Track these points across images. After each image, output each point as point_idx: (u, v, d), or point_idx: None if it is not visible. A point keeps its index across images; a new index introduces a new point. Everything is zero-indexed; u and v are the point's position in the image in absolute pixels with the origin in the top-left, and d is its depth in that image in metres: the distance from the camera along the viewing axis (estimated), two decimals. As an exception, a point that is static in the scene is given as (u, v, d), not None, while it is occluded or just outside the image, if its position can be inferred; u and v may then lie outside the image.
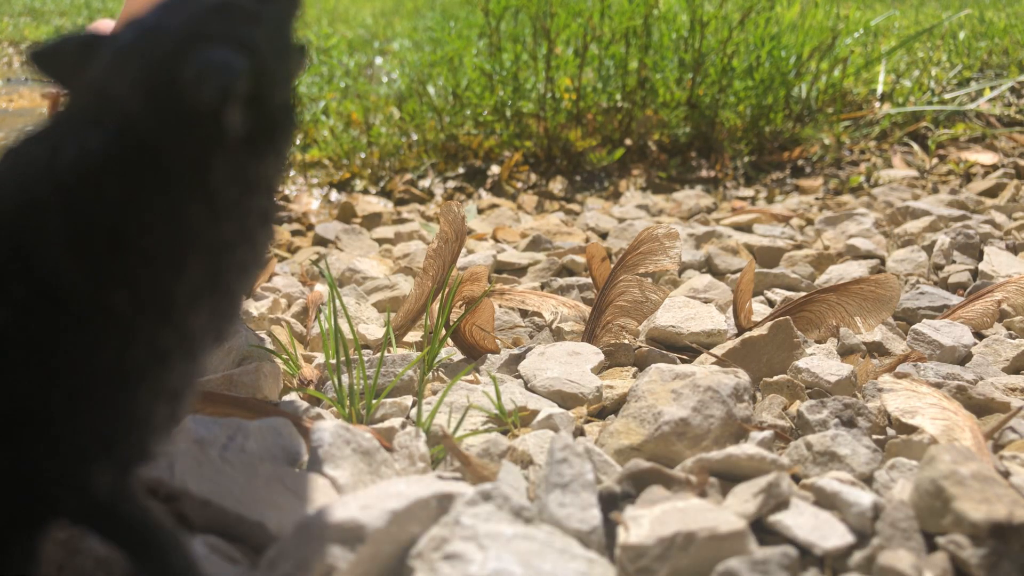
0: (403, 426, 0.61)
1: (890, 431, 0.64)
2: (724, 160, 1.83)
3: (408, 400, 0.67)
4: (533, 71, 1.83)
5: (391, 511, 0.44)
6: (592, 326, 0.81)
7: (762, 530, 0.49)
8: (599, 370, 0.75)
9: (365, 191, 1.69)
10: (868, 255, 1.20)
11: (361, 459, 0.54)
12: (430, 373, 0.74)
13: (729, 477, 0.54)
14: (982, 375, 0.75)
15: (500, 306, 0.90)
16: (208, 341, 0.31)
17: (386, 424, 0.61)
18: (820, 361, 0.73)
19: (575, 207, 1.61)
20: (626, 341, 0.79)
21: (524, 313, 0.96)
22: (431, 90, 1.96)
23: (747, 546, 0.45)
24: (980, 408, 0.67)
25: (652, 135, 1.88)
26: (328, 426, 0.54)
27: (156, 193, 0.28)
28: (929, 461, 0.50)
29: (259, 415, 0.60)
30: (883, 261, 1.18)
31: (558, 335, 0.88)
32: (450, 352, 0.82)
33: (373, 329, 0.89)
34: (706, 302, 0.95)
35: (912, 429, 0.62)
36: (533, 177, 1.77)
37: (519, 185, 1.74)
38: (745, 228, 1.39)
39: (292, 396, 0.69)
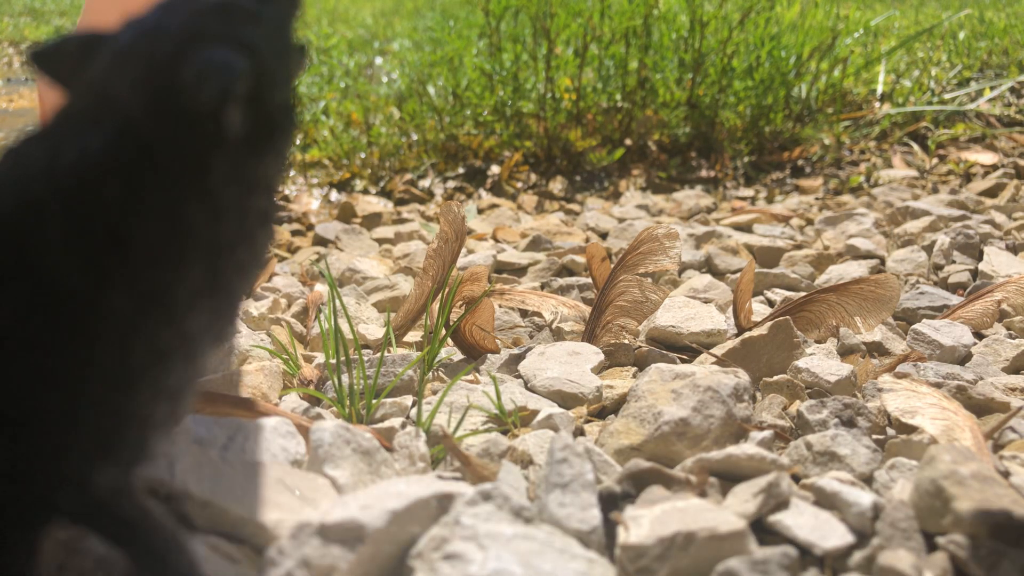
0: (403, 426, 0.61)
1: (890, 431, 0.64)
2: (724, 160, 1.83)
3: (408, 400, 0.67)
4: (533, 71, 1.83)
5: (391, 511, 0.44)
6: (592, 326, 0.81)
7: (762, 530, 0.49)
8: (599, 370, 0.75)
9: (365, 191, 1.69)
10: (868, 255, 1.20)
11: (361, 459, 0.54)
12: (430, 373, 0.74)
13: (729, 477, 0.54)
14: (982, 375, 0.75)
15: (500, 306, 0.90)
16: (208, 341, 0.31)
17: (386, 424, 0.61)
18: (820, 361, 0.73)
19: (575, 207, 1.61)
20: (626, 341, 0.79)
21: (524, 313, 0.96)
22: (431, 90, 1.96)
23: (747, 546, 0.45)
24: (980, 408, 0.67)
25: (652, 135, 1.88)
26: (328, 426, 0.54)
27: (156, 193, 0.28)
28: (929, 461, 0.50)
29: (259, 415, 0.60)
30: (883, 261, 1.18)
31: (558, 335, 0.88)
32: (450, 352, 0.82)
33: (373, 329, 0.89)
34: (706, 302, 0.95)
35: (912, 429, 0.62)
36: (533, 177, 1.77)
37: (519, 185, 1.74)
38: (745, 228, 1.39)
39: (292, 396, 0.69)
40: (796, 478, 0.56)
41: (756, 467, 0.54)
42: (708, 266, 1.17)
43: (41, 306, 0.27)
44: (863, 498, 0.50)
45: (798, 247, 1.25)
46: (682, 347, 0.83)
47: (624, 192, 1.70)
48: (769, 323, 0.76)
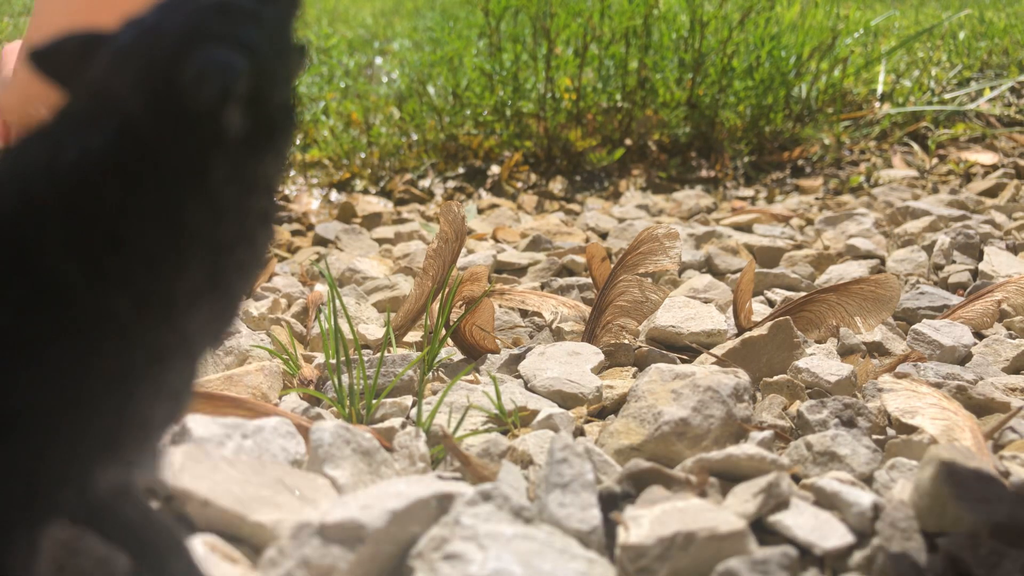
0: (403, 426, 0.61)
1: (890, 431, 0.64)
2: (724, 160, 1.83)
3: (408, 400, 0.67)
4: (533, 71, 1.83)
5: (391, 511, 0.44)
6: (592, 326, 0.81)
7: (762, 530, 0.49)
8: (599, 370, 0.75)
9: (365, 191, 1.69)
10: (868, 255, 1.20)
11: (361, 459, 0.54)
12: (430, 373, 0.74)
13: (729, 477, 0.54)
14: (982, 375, 0.75)
15: (500, 306, 0.90)
16: (208, 341, 0.31)
17: (386, 424, 0.61)
18: (820, 361, 0.73)
19: (575, 207, 1.61)
20: (626, 341, 0.79)
21: (524, 313, 0.96)
22: (431, 90, 1.96)
23: (747, 546, 0.45)
24: (980, 408, 0.67)
25: (652, 135, 1.88)
26: (328, 426, 0.54)
27: (156, 193, 0.28)
28: (929, 461, 0.50)
29: (259, 415, 0.60)
30: (883, 261, 1.18)
31: (558, 335, 0.88)
32: (450, 352, 0.82)
33: (373, 329, 0.89)
34: (706, 302, 0.95)
35: (912, 429, 0.62)
36: (533, 177, 1.77)
37: (519, 185, 1.74)
38: (745, 228, 1.39)
39: (292, 396, 0.69)
40: (796, 478, 0.56)
41: (756, 467, 0.54)
42: (708, 266, 1.17)
43: (41, 305, 0.27)
44: (863, 498, 0.50)
45: (798, 247, 1.25)
46: (682, 347, 0.83)
47: (624, 192, 1.70)
48: (769, 323, 0.76)
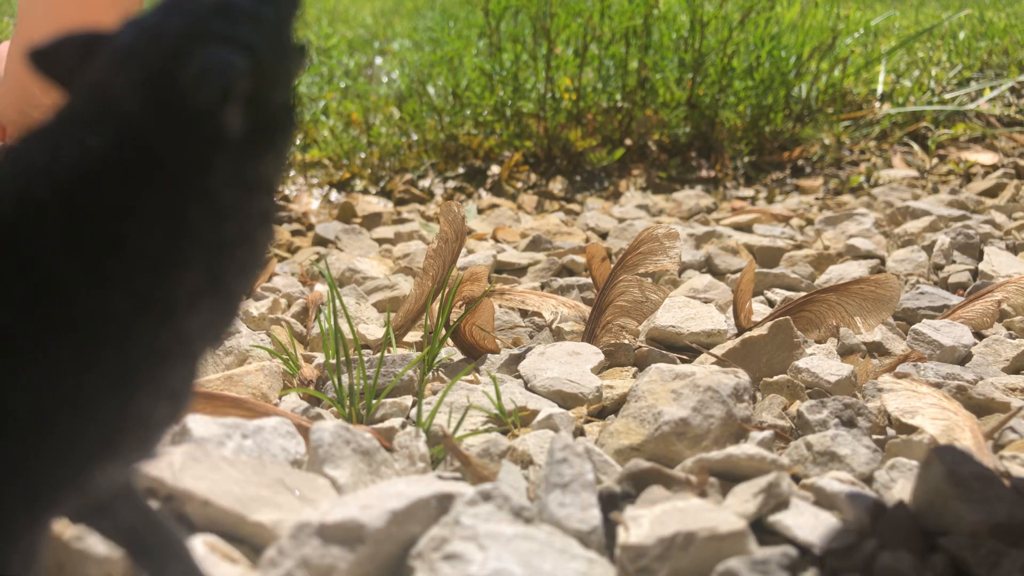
0: (403, 426, 0.61)
1: (890, 431, 0.64)
2: (724, 160, 1.83)
3: (408, 400, 0.67)
4: (533, 71, 1.83)
5: (391, 511, 0.44)
6: (592, 326, 0.81)
7: (762, 530, 0.49)
8: (599, 370, 0.75)
9: (365, 191, 1.69)
10: (868, 255, 1.20)
11: (361, 459, 0.54)
12: (430, 373, 0.74)
13: (729, 477, 0.54)
14: (982, 375, 0.75)
15: (500, 306, 0.90)
16: (208, 341, 0.31)
17: (386, 424, 0.61)
18: (820, 361, 0.73)
19: (575, 207, 1.61)
20: (626, 341, 0.79)
21: (524, 313, 0.96)
22: (431, 90, 1.96)
23: (747, 546, 0.45)
24: (980, 408, 0.67)
25: (652, 135, 1.88)
26: (328, 426, 0.54)
27: (156, 193, 0.28)
28: (929, 461, 0.50)
29: (259, 415, 0.60)
30: (883, 261, 1.18)
31: (558, 335, 0.88)
32: (450, 352, 0.82)
33: (373, 329, 0.89)
34: (706, 302, 0.95)
35: (912, 429, 0.62)
36: (533, 177, 1.77)
37: (519, 185, 1.74)
38: (745, 228, 1.39)
39: (292, 396, 0.69)
40: (796, 478, 0.56)
41: (756, 467, 0.54)
42: (708, 266, 1.17)
43: (41, 305, 0.27)
44: (863, 498, 0.50)
45: (798, 247, 1.25)
46: (682, 347, 0.83)
47: (624, 192, 1.70)
48: (769, 323, 0.76)
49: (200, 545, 0.44)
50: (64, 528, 0.42)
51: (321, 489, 0.51)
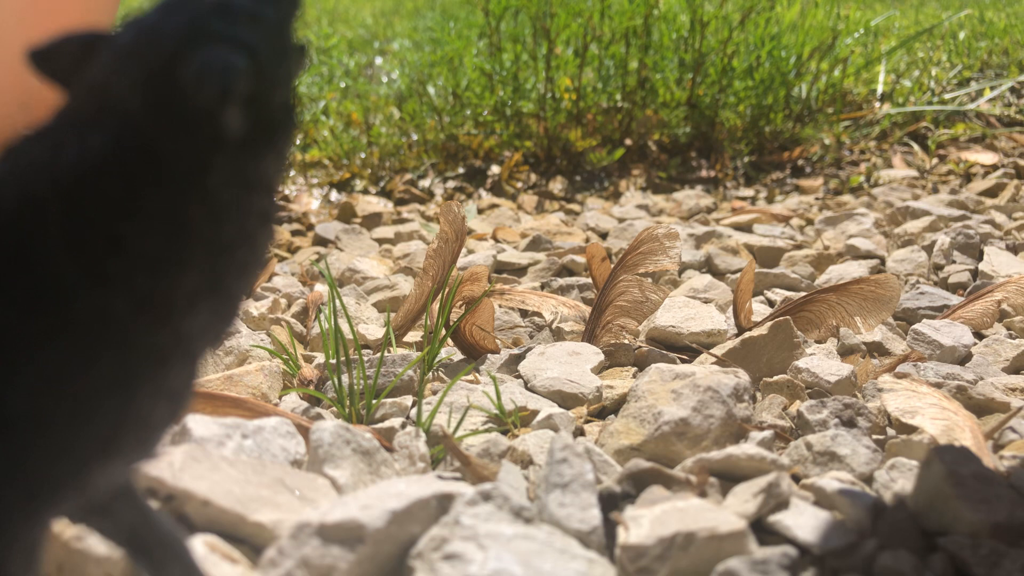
0: (403, 426, 0.61)
1: (890, 431, 0.64)
2: (724, 160, 1.83)
3: (408, 400, 0.67)
4: (533, 71, 1.83)
5: (391, 511, 0.44)
6: (592, 326, 0.81)
7: (762, 530, 0.49)
8: (599, 370, 0.75)
9: (365, 191, 1.69)
10: (868, 255, 1.20)
11: (361, 459, 0.54)
12: (430, 373, 0.74)
13: (729, 477, 0.54)
14: (982, 375, 0.75)
15: (500, 306, 0.90)
16: (208, 341, 0.31)
17: (386, 424, 0.61)
18: (820, 361, 0.73)
19: (575, 207, 1.61)
20: (626, 341, 0.79)
21: (524, 313, 0.96)
22: (431, 90, 1.96)
23: (747, 546, 0.45)
24: (980, 408, 0.67)
25: (652, 135, 1.88)
26: (328, 426, 0.54)
27: (156, 193, 0.28)
28: (929, 461, 0.50)
29: (259, 415, 0.60)
30: (883, 261, 1.18)
31: (558, 335, 0.88)
32: (450, 352, 0.82)
33: (373, 329, 0.89)
34: (706, 302, 0.95)
35: (912, 429, 0.62)
36: (533, 177, 1.77)
37: (519, 185, 1.74)
38: (745, 228, 1.39)
39: (292, 396, 0.69)
40: (796, 478, 0.56)
41: (756, 467, 0.54)
42: (708, 266, 1.17)
43: (41, 305, 0.27)
44: (863, 498, 0.50)
45: (798, 247, 1.25)
46: (682, 347, 0.83)
47: (624, 192, 1.70)
48: (769, 323, 0.76)
49: (200, 545, 0.44)
50: (64, 528, 0.42)
51: (321, 489, 0.51)
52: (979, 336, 0.88)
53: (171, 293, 0.29)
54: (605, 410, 0.70)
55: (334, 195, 1.67)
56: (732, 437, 0.60)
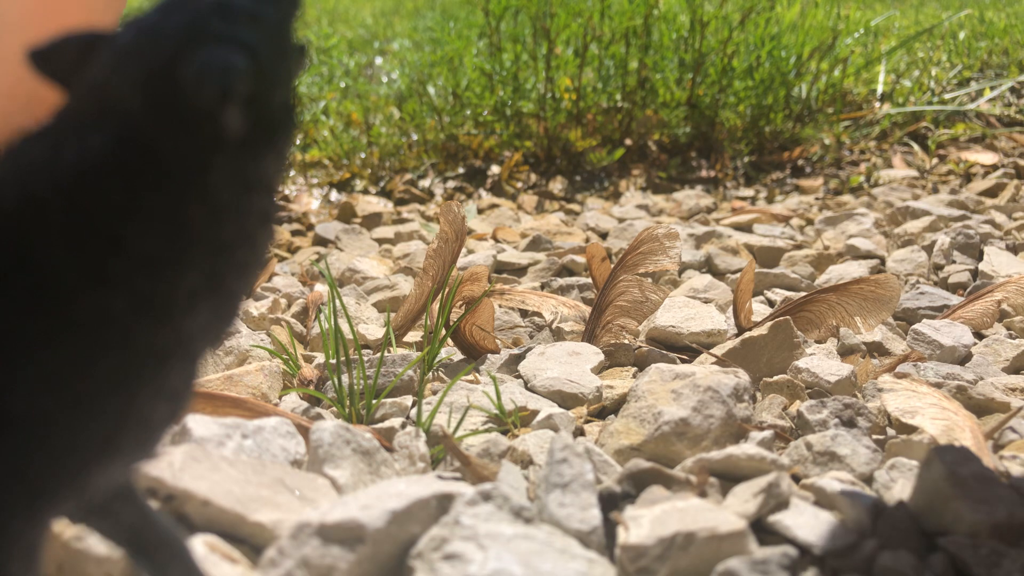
0: (403, 426, 0.61)
1: (890, 431, 0.64)
2: (724, 160, 1.83)
3: (408, 400, 0.67)
4: (533, 71, 1.83)
5: (391, 511, 0.44)
6: (592, 326, 0.81)
7: (762, 530, 0.49)
8: (599, 370, 0.75)
9: (365, 191, 1.69)
10: (868, 255, 1.20)
11: (361, 459, 0.54)
12: (430, 373, 0.74)
13: (729, 477, 0.54)
14: (982, 375, 0.75)
15: (500, 306, 0.90)
16: (208, 341, 0.31)
17: (386, 424, 0.61)
18: (820, 361, 0.73)
19: (575, 207, 1.61)
20: (626, 341, 0.79)
21: (524, 313, 0.96)
22: (431, 90, 1.96)
23: (747, 546, 0.45)
24: (980, 408, 0.67)
25: (652, 135, 1.88)
26: (328, 426, 0.54)
27: (156, 193, 0.28)
28: (929, 461, 0.50)
29: (259, 415, 0.60)
30: (883, 261, 1.18)
31: (558, 335, 0.88)
32: (450, 352, 0.82)
33: (373, 329, 0.89)
34: (706, 302, 0.95)
35: (912, 429, 0.62)
36: (533, 177, 1.77)
37: (519, 185, 1.74)
38: (745, 228, 1.39)
39: (292, 396, 0.69)
40: (796, 478, 0.56)
41: (756, 467, 0.54)
42: (708, 266, 1.17)
43: (41, 305, 0.27)
44: (863, 498, 0.50)
45: (798, 247, 1.25)
46: (682, 347, 0.83)
47: (624, 192, 1.70)
48: (769, 323, 0.76)
49: (200, 545, 0.44)
50: (64, 528, 0.42)
51: (321, 489, 0.51)
52: (979, 336, 0.88)
53: (171, 293, 0.29)
54: (605, 410, 0.69)
55: (334, 195, 1.67)
56: (732, 437, 0.60)
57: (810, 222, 1.45)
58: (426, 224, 1.45)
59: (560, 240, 1.32)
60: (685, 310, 0.87)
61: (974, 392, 0.68)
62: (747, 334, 0.76)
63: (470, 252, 1.24)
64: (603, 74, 1.86)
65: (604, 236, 1.40)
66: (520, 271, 1.18)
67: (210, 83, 0.26)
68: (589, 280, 1.04)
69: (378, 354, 0.72)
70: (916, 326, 0.85)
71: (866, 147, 1.93)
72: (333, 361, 0.72)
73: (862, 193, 1.64)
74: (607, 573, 0.44)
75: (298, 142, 1.85)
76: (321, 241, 1.35)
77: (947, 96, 2.11)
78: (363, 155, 1.77)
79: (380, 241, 1.36)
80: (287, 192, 1.64)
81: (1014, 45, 2.41)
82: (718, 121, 1.86)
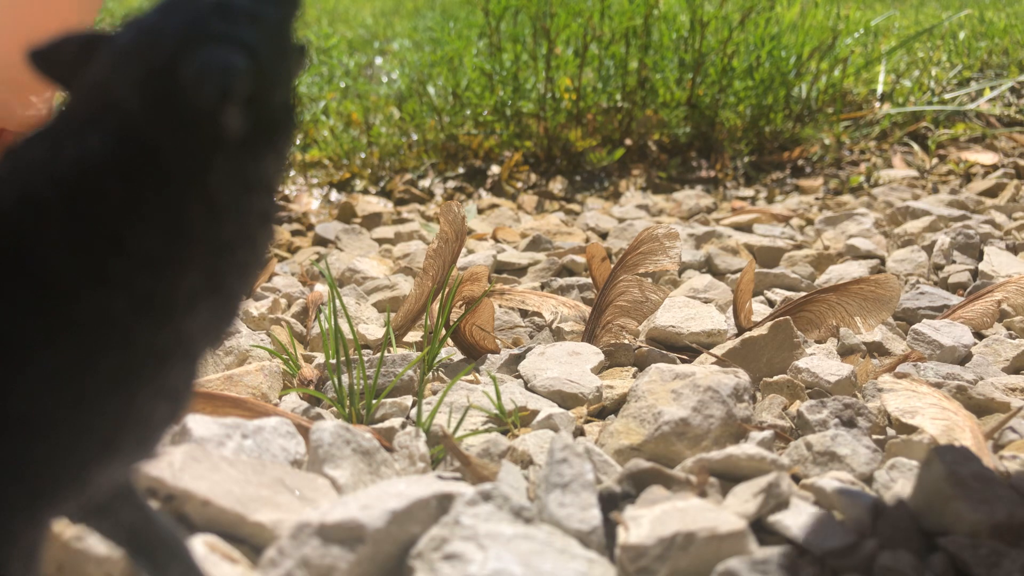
0: (403, 426, 0.61)
1: (890, 431, 0.64)
2: (724, 160, 1.83)
3: (408, 400, 0.67)
4: (533, 71, 1.83)
5: (391, 511, 0.44)
6: (592, 326, 0.81)
7: (762, 530, 0.49)
8: (599, 370, 0.75)
9: (365, 191, 1.69)
10: (868, 255, 1.20)
11: (361, 459, 0.54)
12: (430, 373, 0.74)
13: (729, 477, 0.54)
14: (982, 375, 0.75)
15: (500, 306, 0.90)
16: (208, 341, 0.31)
17: (386, 424, 0.61)
18: (820, 361, 0.73)
19: (575, 207, 1.61)
20: (626, 341, 0.79)
21: (524, 313, 0.96)
22: (431, 90, 1.96)
23: (747, 546, 0.45)
24: (980, 408, 0.67)
25: (652, 135, 1.88)
26: (328, 426, 0.54)
27: (156, 193, 0.28)
28: (929, 461, 0.50)
29: (259, 415, 0.60)
30: (883, 261, 1.18)
31: (558, 335, 0.88)
32: (450, 352, 0.82)
33: (373, 329, 0.89)
34: (706, 302, 0.95)
35: (912, 429, 0.62)
36: (533, 177, 1.77)
37: (519, 185, 1.74)
38: (745, 228, 1.39)
39: (292, 396, 0.69)
40: (796, 478, 0.56)
41: (756, 467, 0.54)
42: (708, 266, 1.17)
43: (41, 305, 0.27)
44: (863, 498, 0.50)
45: (798, 247, 1.25)
46: (682, 347, 0.83)
47: (624, 192, 1.70)
48: (769, 323, 0.76)
49: (200, 545, 0.44)
50: (64, 528, 0.42)
51: (321, 489, 0.51)
52: (979, 336, 0.88)
53: (171, 293, 0.29)
54: (605, 410, 0.69)
55: (334, 195, 1.67)
56: (732, 437, 0.60)
57: (810, 222, 1.45)
58: (426, 224, 1.45)
59: (560, 240, 1.32)
60: (685, 310, 0.87)
61: (974, 392, 0.68)
62: (747, 334, 0.76)
63: (470, 252, 1.24)
64: (603, 74, 1.86)
65: (604, 236, 1.40)
66: (520, 271, 1.18)
67: (210, 83, 0.26)
68: (589, 280, 1.04)
69: (378, 354, 0.72)
70: (916, 326, 0.85)
71: (866, 147, 1.94)
72: (333, 361, 0.72)
73: (862, 193, 1.64)
74: (607, 573, 0.44)
75: (298, 142, 1.85)
76: (321, 241, 1.35)
77: (947, 96, 2.11)
78: (363, 155, 1.77)
79: (380, 241, 1.36)
80: (287, 192, 1.64)
81: (1014, 45, 2.41)
82: (718, 121, 1.86)
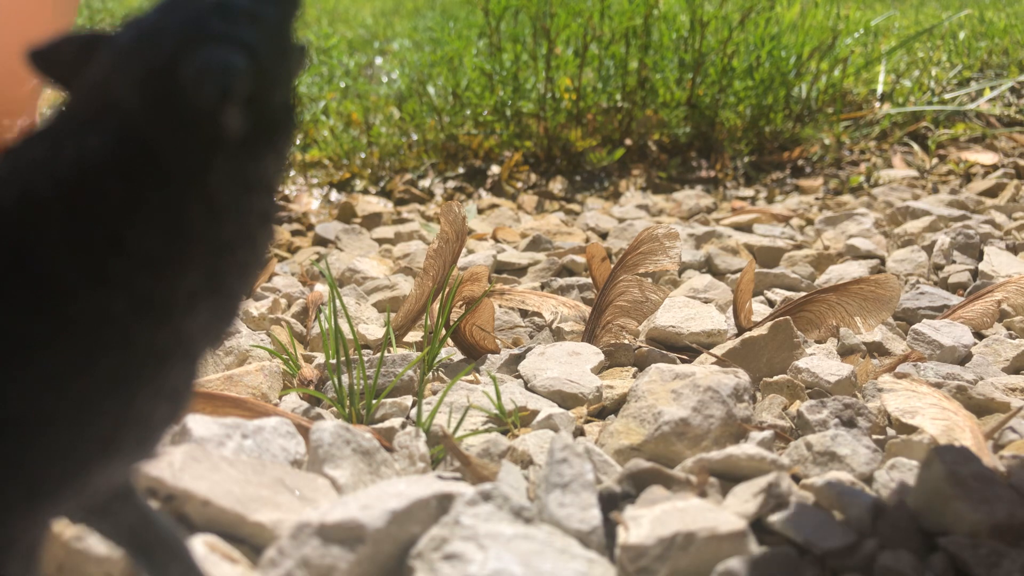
0: (403, 426, 0.61)
1: (890, 431, 0.64)
2: (724, 160, 1.83)
3: (408, 400, 0.67)
4: (533, 71, 1.83)
5: (391, 511, 0.44)
6: (592, 326, 0.81)
7: (762, 530, 0.49)
8: (599, 370, 0.75)
9: (365, 191, 1.69)
10: (868, 255, 1.20)
11: (361, 459, 0.54)
12: (430, 373, 0.74)
13: (729, 477, 0.54)
14: (982, 375, 0.75)
15: (500, 306, 0.90)
16: (208, 341, 0.31)
17: (386, 424, 0.61)
18: (820, 361, 0.73)
19: (575, 207, 1.61)
20: (626, 341, 0.79)
21: (524, 313, 0.96)
22: (431, 90, 1.96)
23: (747, 546, 0.45)
24: (980, 408, 0.67)
25: (652, 135, 1.88)
26: (328, 426, 0.54)
27: (156, 193, 0.28)
28: (929, 461, 0.50)
29: (259, 415, 0.60)
30: (883, 261, 1.18)
31: (558, 335, 0.88)
32: (450, 352, 0.82)
33: (373, 329, 0.89)
34: (706, 302, 0.95)
35: (912, 429, 0.62)
36: (533, 177, 1.77)
37: (519, 185, 1.74)
38: (745, 228, 1.39)
39: (292, 396, 0.69)
40: (796, 478, 0.56)
41: (756, 467, 0.54)
42: (708, 266, 1.17)
43: (40, 306, 0.27)
44: (863, 498, 0.50)
45: (798, 247, 1.25)
46: (682, 347, 0.83)
47: (624, 192, 1.70)
48: (769, 323, 0.76)
49: (200, 545, 0.44)
50: (64, 528, 0.42)
51: (321, 489, 0.51)
52: (979, 336, 0.88)
53: (171, 293, 0.29)
54: (605, 410, 0.69)
55: (334, 195, 1.67)
56: (732, 437, 0.60)
57: (810, 222, 1.45)
58: (426, 224, 1.45)
59: (560, 240, 1.32)
60: (685, 310, 0.87)
61: (974, 392, 0.68)
62: (747, 334, 0.76)
63: (470, 252, 1.24)
64: (603, 74, 1.86)
65: (604, 236, 1.40)
66: (520, 271, 1.18)
67: (210, 83, 0.26)
68: (589, 280, 1.04)
69: (378, 354, 0.72)
70: (916, 326, 0.85)
71: (866, 147, 1.93)
72: (333, 361, 0.72)
73: (862, 193, 1.64)
74: (607, 573, 0.44)
75: (298, 142, 1.85)
76: (321, 241, 1.35)
77: (947, 96, 2.11)
78: (363, 155, 1.77)
79: (380, 241, 1.36)
80: (287, 192, 1.64)
81: (1014, 45, 2.41)
82: (718, 121, 1.86)
